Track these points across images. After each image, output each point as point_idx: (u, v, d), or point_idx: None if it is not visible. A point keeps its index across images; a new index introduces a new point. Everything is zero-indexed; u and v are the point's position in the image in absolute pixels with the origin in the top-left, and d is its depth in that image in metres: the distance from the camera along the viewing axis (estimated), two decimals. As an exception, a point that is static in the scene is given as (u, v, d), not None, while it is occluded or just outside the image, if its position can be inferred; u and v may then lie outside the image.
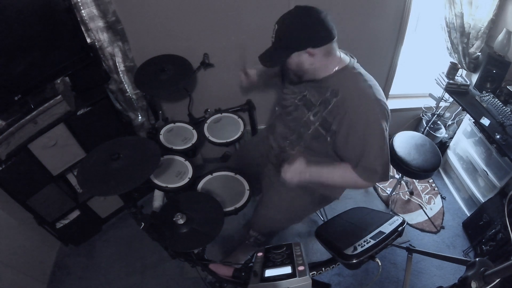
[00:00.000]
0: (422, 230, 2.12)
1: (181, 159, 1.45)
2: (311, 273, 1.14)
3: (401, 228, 1.18)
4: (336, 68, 1.11)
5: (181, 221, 1.11)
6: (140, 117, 1.98)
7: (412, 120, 2.58)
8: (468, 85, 2.07)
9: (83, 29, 1.53)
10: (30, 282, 1.73)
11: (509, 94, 1.91)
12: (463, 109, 2.07)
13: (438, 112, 2.38)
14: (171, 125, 1.65)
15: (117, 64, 1.73)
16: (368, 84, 1.08)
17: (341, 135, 1.10)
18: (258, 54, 1.13)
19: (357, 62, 1.17)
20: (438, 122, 2.45)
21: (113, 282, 1.86)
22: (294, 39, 1.04)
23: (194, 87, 2.02)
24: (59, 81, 1.59)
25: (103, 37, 1.62)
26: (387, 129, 1.09)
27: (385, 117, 1.07)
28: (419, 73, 2.47)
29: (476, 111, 1.92)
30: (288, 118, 1.28)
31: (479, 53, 2.02)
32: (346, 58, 1.14)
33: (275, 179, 1.42)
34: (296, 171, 1.15)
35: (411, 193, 2.34)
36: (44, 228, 1.82)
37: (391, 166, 2.11)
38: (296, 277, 0.94)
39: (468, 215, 2.13)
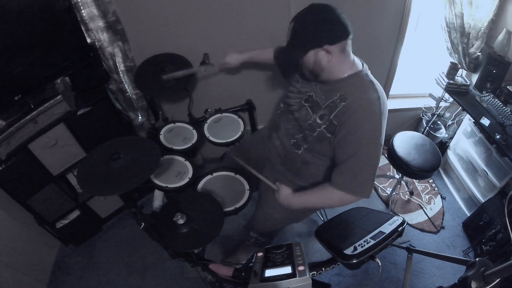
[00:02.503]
0: (422, 230, 2.12)
1: (181, 159, 1.45)
2: (311, 273, 1.13)
3: (401, 228, 1.18)
4: (349, 72, 1.10)
5: (181, 221, 1.11)
6: (140, 117, 1.98)
7: (412, 120, 2.58)
8: (468, 85, 2.07)
9: (83, 29, 1.53)
10: (30, 282, 1.73)
11: (509, 94, 1.91)
12: (463, 109, 2.07)
13: (438, 112, 2.38)
14: (171, 125, 1.65)
15: (117, 64, 1.73)
16: (377, 95, 1.07)
17: (339, 135, 1.10)
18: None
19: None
20: (438, 122, 2.46)
21: (113, 282, 1.87)
22: (311, 35, 1.02)
23: (194, 87, 2.02)
24: (59, 81, 1.59)
25: (103, 37, 1.62)
26: (382, 144, 1.10)
27: (383, 131, 1.08)
28: (419, 73, 2.47)
29: (476, 111, 1.92)
30: (291, 116, 1.28)
31: (479, 53, 2.02)
32: (359, 63, 1.13)
33: (274, 179, 1.41)
34: (285, 201, 1.26)
35: (411, 193, 2.34)
36: (44, 228, 1.82)
37: (391, 166, 2.11)
38: (296, 277, 0.93)
39: (468, 215, 2.13)
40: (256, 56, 1.59)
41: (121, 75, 1.77)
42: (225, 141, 1.55)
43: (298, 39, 1.05)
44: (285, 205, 1.27)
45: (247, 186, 1.39)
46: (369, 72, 1.14)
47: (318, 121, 1.16)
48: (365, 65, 1.15)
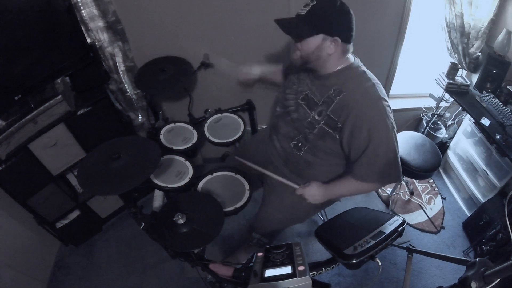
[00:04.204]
0: (422, 230, 2.12)
1: (181, 159, 1.45)
2: (311, 273, 1.13)
3: (401, 228, 1.18)
4: (341, 66, 1.12)
5: (181, 221, 1.11)
6: (140, 117, 1.98)
7: (412, 120, 2.58)
8: (468, 85, 2.07)
9: (83, 29, 1.53)
10: (30, 282, 1.73)
11: (509, 94, 1.91)
12: (463, 109, 2.07)
13: (438, 112, 2.38)
14: (171, 125, 1.65)
15: (117, 64, 1.73)
16: (372, 83, 1.10)
17: (346, 133, 1.11)
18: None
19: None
20: (438, 122, 2.45)
21: (113, 282, 1.86)
22: (331, 21, 1.02)
23: (194, 87, 2.02)
24: (59, 81, 1.59)
25: (103, 37, 1.62)
26: (394, 126, 1.12)
27: (390, 114, 1.10)
28: (419, 73, 2.46)
29: (476, 111, 1.92)
30: (288, 118, 1.28)
31: (479, 53, 2.02)
32: (350, 57, 1.15)
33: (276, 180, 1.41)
34: (316, 197, 1.27)
35: (411, 193, 2.34)
36: (44, 228, 1.82)
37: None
38: (296, 277, 0.93)
39: (468, 215, 2.13)
40: (268, 75, 1.56)
41: (121, 75, 1.77)
42: (225, 141, 1.55)
43: (314, 18, 1.02)
44: (316, 199, 1.28)
45: (247, 186, 1.39)
46: (361, 64, 1.15)
47: (317, 117, 1.17)
48: (356, 58, 1.16)
